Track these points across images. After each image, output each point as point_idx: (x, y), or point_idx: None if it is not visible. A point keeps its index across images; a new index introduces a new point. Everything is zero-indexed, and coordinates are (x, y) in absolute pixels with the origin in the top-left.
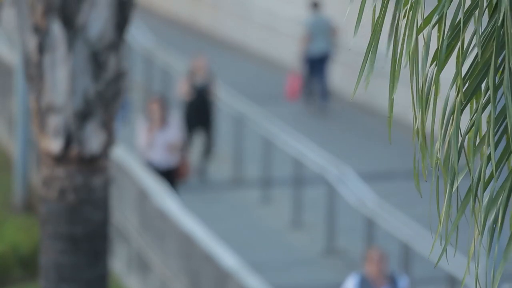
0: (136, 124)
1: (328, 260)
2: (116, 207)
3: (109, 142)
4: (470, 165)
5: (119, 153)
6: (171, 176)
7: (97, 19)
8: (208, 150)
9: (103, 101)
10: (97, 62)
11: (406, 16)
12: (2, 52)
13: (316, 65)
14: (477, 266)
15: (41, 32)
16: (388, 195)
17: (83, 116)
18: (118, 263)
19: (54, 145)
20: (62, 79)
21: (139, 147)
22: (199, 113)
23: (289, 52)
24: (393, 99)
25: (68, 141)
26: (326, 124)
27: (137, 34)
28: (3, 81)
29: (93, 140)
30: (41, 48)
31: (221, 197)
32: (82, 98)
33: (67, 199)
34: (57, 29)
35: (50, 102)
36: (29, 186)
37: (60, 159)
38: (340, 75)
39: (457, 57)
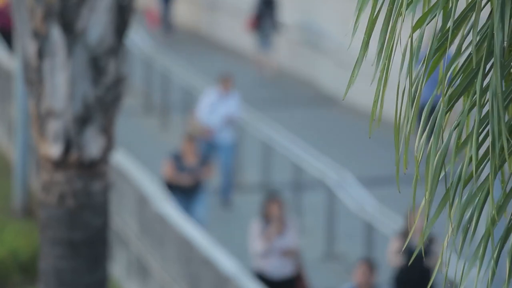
0: (250, 227)
1: (328, 264)
2: (115, 212)
3: (109, 147)
4: (451, 164)
5: (119, 158)
6: None
7: (96, 24)
8: None
9: (103, 106)
10: (96, 67)
11: (401, 17)
12: (1, 57)
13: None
14: (447, 267)
15: (41, 37)
16: (387, 200)
17: (82, 121)
18: (118, 268)
19: (54, 150)
20: (62, 84)
21: (254, 254)
22: (413, 284)
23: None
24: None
25: (68, 146)
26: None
27: (136, 38)
28: (2, 86)
29: (93, 145)
30: (41, 53)
31: (221, 202)
32: (82, 103)
33: (66, 204)
34: (56, 34)
35: (49, 107)
36: (29, 191)
37: (60, 164)
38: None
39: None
